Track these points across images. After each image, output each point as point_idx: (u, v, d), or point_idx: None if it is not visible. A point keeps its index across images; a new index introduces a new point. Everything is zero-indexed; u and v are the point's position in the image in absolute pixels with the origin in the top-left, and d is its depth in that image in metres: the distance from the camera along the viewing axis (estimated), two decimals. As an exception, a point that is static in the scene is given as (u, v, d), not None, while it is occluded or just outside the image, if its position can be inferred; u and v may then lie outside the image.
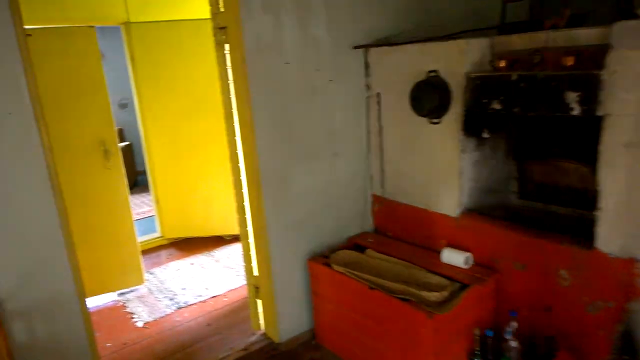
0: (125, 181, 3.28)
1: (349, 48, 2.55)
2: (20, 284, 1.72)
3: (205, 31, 3.79)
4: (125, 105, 7.99)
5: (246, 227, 2.53)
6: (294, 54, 2.34)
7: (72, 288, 1.91)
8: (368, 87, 2.66)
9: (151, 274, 3.71)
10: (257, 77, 2.22)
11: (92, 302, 3.30)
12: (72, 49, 3.01)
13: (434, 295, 2.02)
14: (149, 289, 3.43)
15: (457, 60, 2.19)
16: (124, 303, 3.26)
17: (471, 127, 2.24)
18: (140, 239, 4.39)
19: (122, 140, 7.08)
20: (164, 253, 4.15)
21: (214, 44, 2.36)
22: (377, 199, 2.79)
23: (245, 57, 2.16)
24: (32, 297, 1.77)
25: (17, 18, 1.65)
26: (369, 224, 2.84)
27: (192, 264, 3.83)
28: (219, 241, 4.28)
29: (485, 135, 2.30)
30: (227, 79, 2.34)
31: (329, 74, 2.50)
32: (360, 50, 2.60)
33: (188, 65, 3.96)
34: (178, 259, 3.98)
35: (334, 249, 2.58)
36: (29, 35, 1.70)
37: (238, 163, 2.44)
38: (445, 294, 2.05)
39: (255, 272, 2.59)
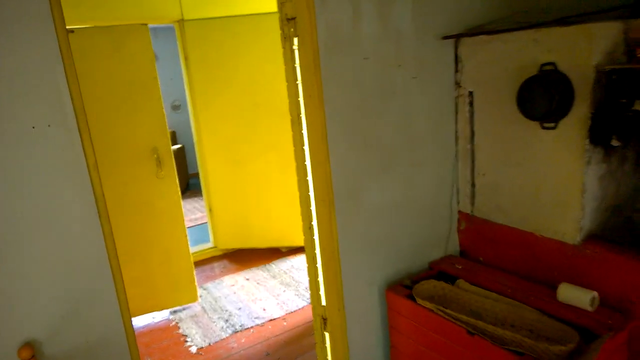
0: (178, 191, 3.04)
1: (436, 39, 2.15)
2: (59, 323, 1.47)
3: (266, 27, 3.53)
4: (177, 107, 7.93)
5: (314, 249, 2.19)
6: (374, 47, 1.97)
7: (119, 326, 1.63)
8: (458, 84, 2.24)
9: (204, 289, 3.46)
10: (331, 75, 1.87)
11: (143, 321, 3.08)
12: (124, 49, 2.79)
13: (558, 349, 1.59)
14: (203, 308, 3.17)
15: (583, 50, 1.74)
16: (177, 323, 3.02)
17: (600, 133, 1.78)
18: (192, 249, 4.19)
19: (174, 143, 6.99)
20: (217, 266, 3.90)
21: (281, 38, 2.03)
22: (464, 217, 2.37)
23: (318, 53, 1.81)
24: (73, 339, 1.51)
25: (56, 11, 1.38)
26: (454, 247, 2.43)
27: (248, 279, 3.55)
28: (274, 253, 3.98)
29: (615, 143, 1.83)
30: (295, 79, 2.00)
31: (412, 70, 2.11)
32: (450, 42, 2.19)
33: (246, 64, 3.68)
34: (232, 272, 3.72)
35: (415, 276, 2.19)
36: (71, 32, 1.43)
37: (306, 176, 2.10)
38: (572, 346, 1.61)
39: (323, 302, 2.24)
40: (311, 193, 2.09)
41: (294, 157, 2.12)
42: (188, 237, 4.58)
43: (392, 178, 2.16)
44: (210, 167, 3.96)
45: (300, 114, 2.04)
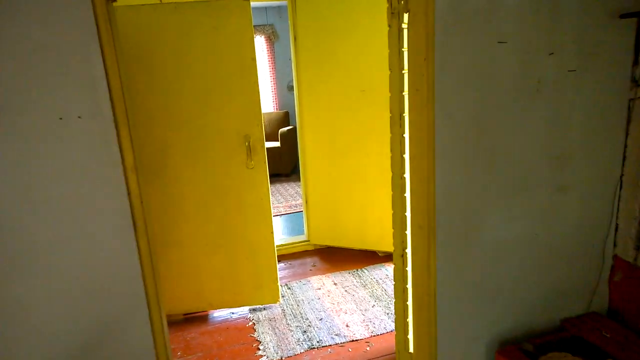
0: (267, 184, 2.78)
1: (610, 17, 1.51)
2: (78, 357, 1.26)
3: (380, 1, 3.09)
4: (292, 87, 7.86)
5: (405, 282, 1.74)
6: (515, 27, 1.42)
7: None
8: (636, 83, 1.58)
9: (289, 288, 3.21)
10: (448, 64, 1.38)
11: (222, 315, 2.93)
12: (222, 27, 2.56)
13: None
14: (283, 311, 2.92)
15: None
16: (254, 324, 2.81)
17: None
18: (285, 239, 3.98)
19: (286, 124, 6.90)
20: (307, 262, 3.63)
21: (387, 14, 1.59)
22: (622, 266, 1.72)
23: (433, 32, 1.33)
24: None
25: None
26: (600, 303, 1.79)
27: (336, 284, 3.22)
28: (370, 257, 3.59)
29: None
30: (401, 67, 1.55)
31: (569, 60, 1.51)
32: (630, 23, 1.53)
33: (356, 47, 3.27)
34: (321, 273, 3.41)
35: (539, 338, 1.64)
36: (114, 0, 1.16)
37: (403, 192, 1.65)
38: None
39: (411, 348, 1.80)
40: (408, 214, 1.64)
41: (390, 167, 1.68)
42: (284, 225, 4.45)
43: (524, 205, 1.60)
44: (309, 155, 3.67)
45: (403, 112, 1.58)
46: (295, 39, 3.51)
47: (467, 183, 1.49)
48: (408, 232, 1.65)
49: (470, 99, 1.42)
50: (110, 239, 1.24)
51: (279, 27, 7.09)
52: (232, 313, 2.95)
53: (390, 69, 1.58)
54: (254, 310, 2.96)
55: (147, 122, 2.59)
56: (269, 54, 7.11)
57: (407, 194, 1.62)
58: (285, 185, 6.00)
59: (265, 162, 2.76)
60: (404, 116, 1.57)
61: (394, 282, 1.76)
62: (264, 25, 6.99)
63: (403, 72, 1.54)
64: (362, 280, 3.23)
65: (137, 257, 1.29)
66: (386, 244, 3.55)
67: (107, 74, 1.12)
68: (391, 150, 1.64)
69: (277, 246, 3.80)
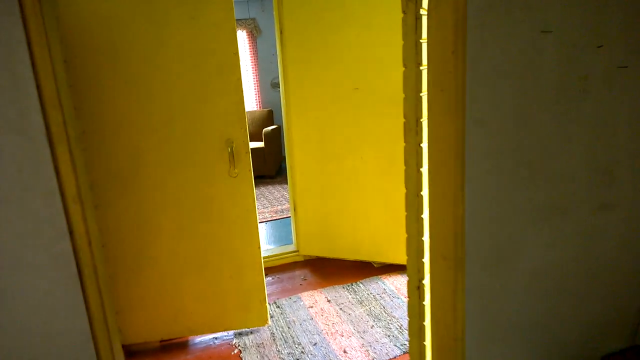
0: (253, 194, 2.48)
1: (668, 2, 1.26)
2: None
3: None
4: (277, 84, 7.52)
5: (422, 319, 1.47)
6: (563, 13, 1.16)
7: None
8: (697, 81, 1.33)
9: (278, 307, 2.92)
10: (483, 58, 1.10)
11: (204, 342, 2.63)
12: (201, 17, 2.24)
13: None
14: (272, 334, 2.63)
15: None
16: (240, 350, 2.51)
17: None
18: (272, 249, 3.69)
19: (270, 123, 6.58)
20: (298, 275, 3.35)
21: (399, -3, 1.30)
22: (671, 294, 1.48)
23: (465, 18, 1.05)
24: None
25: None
26: (645, 335, 1.55)
27: (329, 300, 2.94)
28: (364, 269, 3.32)
29: None
30: (418, 62, 1.27)
31: (621, 53, 1.25)
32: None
33: (350, 40, 2.99)
34: (313, 287, 3.13)
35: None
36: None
37: (420, 213, 1.37)
38: None
39: (429, 394, 1.53)
40: (426, 239, 1.37)
41: (404, 183, 1.40)
42: (270, 233, 4.14)
43: (564, 227, 1.35)
44: (298, 159, 3.38)
45: (420, 117, 1.30)
46: (281, 32, 3.21)
47: (502, 203, 1.22)
48: (426, 260, 1.38)
49: (507, 101, 1.15)
50: (45, 299, 0.93)
51: (262, 22, 6.76)
52: (215, 339, 2.65)
53: (404, 65, 1.30)
54: (240, 334, 2.66)
55: (116, 125, 2.26)
56: (251, 50, 6.77)
57: (425, 216, 1.34)
58: (270, 188, 5.69)
59: (250, 170, 2.46)
60: (421, 122, 1.29)
61: (408, 318, 1.49)
62: (245, 19, 6.65)
63: (421, 68, 1.26)
64: (358, 296, 2.96)
65: (85, 319, 0.99)
66: (382, 255, 3.30)
67: (36, 73, 0.81)
68: (405, 163, 1.37)
69: (263, 258, 3.50)
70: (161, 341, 2.64)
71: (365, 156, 3.15)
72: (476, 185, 1.17)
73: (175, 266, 2.49)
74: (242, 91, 2.34)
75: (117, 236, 2.41)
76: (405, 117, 1.33)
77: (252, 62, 6.81)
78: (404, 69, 1.31)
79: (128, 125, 2.28)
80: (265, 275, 3.33)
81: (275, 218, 4.49)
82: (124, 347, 2.63)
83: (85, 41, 2.15)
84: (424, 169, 1.32)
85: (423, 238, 1.35)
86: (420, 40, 1.24)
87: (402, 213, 3.13)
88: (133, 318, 2.53)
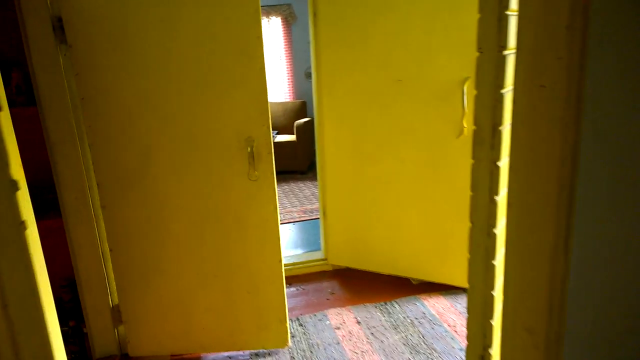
0: (275, 200, 2.15)
1: None
2: None
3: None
4: (311, 74, 7.19)
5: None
6: None
7: None
8: None
9: (301, 324, 2.59)
10: (611, 37, 0.70)
11: (217, 359, 2.34)
12: (219, -6, 1.91)
13: None
14: (292, 357, 2.31)
15: None
16: (256, 378, 2.20)
17: None
18: (298, 255, 3.36)
19: (304, 115, 6.24)
20: (325, 287, 3.01)
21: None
22: None
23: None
24: None
25: None
26: None
27: (359, 322, 2.59)
28: (401, 286, 2.94)
29: None
30: (501, 44, 0.88)
31: None
32: None
33: (394, 24, 2.59)
34: (341, 304, 2.78)
35: None
36: None
37: (491, 258, 0.99)
38: None
39: None
40: (495, 294, 0.99)
41: (469, 214, 1.02)
42: (296, 237, 3.78)
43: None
44: (329, 158, 3.02)
45: (499, 124, 0.91)
46: (314, 15, 2.84)
47: (632, 258, 0.83)
48: (496, 323, 1.00)
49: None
50: None
51: (298, 7, 6.40)
52: (229, 358, 2.35)
53: (479, 48, 0.92)
54: (257, 355, 2.36)
55: (123, 120, 1.98)
56: (286, 37, 6.43)
57: (498, 262, 0.96)
58: (301, 184, 5.36)
59: (272, 173, 2.12)
60: (500, 131, 0.91)
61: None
62: (280, 4, 6.31)
63: (505, 53, 0.88)
64: (392, 319, 2.59)
65: None
66: (422, 271, 2.91)
67: None
68: (472, 187, 0.99)
69: (288, 265, 3.19)
70: (172, 356, 2.37)
71: (406, 158, 2.75)
72: (591, 228, 0.78)
73: (186, 276, 2.21)
74: (265, 81, 2.00)
75: (125, 241, 2.15)
76: (475, 122, 0.95)
77: (285, 51, 6.48)
78: (477, 54, 0.93)
79: (136, 119, 1.98)
80: (289, 284, 3.02)
81: (304, 219, 4.16)
82: (133, 359, 2.38)
83: (90, 23, 1.86)
84: (500, 198, 0.94)
85: (493, 292, 0.98)
86: (507, 12, 0.85)
87: (448, 225, 2.74)
88: (142, 329, 2.27)
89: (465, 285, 2.82)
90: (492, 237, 0.97)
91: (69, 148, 1.92)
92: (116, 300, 2.23)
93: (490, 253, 0.98)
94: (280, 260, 2.23)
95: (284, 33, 6.40)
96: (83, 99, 1.89)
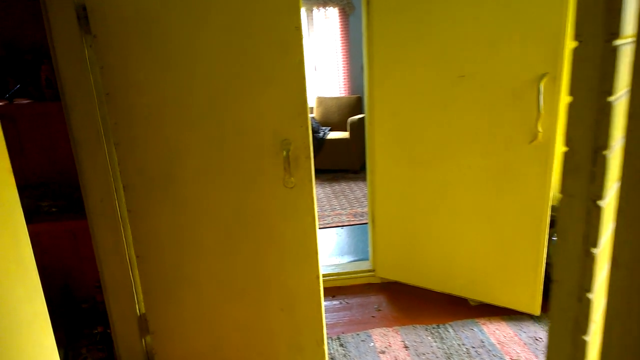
0: (314, 210, 1.92)
1: None
2: None
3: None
4: (369, 67, 6.87)
5: None
6: None
7: None
8: None
9: (341, 345, 2.36)
10: None
11: (248, 382, 2.15)
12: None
13: None
14: (330, 386, 2.09)
15: None
16: (287, 405, 2.00)
17: None
18: (343, 264, 3.10)
19: (359, 112, 5.96)
20: (371, 302, 2.75)
21: None
22: None
23: None
24: None
25: None
26: None
27: (407, 347, 2.31)
28: (457, 307, 2.62)
29: None
30: (611, 30, 0.58)
31: None
32: None
33: (458, 11, 2.27)
34: (388, 323, 2.52)
35: None
36: None
37: (583, 333, 0.69)
38: None
39: None
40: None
41: (553, 271, 0.72)
42: (343, 242, 3.48)
43: None
44: (379, 161, 2.74)
45: (604, 147, 0.61)
46: (368, 2, 2.57)
47: None
48: None
49: None
50: None
51: (355, -3, 6.10)
52: (261, 378, 2.17)
53: (577, 37, 0.62)
54: (290, 379, 2.15)
55: (149, 118, 1.83)
56: (342, 29, 6.16)
57: (590, 338, 0.67)
58: (352, 185, 5.11)
59: (311, 180, 1.89)
60: (604, 156, 0.61)
61: None
62: (338, -6, 6.05)
63: (616, 43, 0.58)
64: (445, 346, 2.29)
65: None
66: (482, 291, 2.57)
67: None
68: (558, 232, 0.69)
69: (332, 275, 2.96)
70: (201, 370, 2.23)
71: (467, 164, 2.42)
72: None
73: (215, 289, 2.04)
74: (304, 77, 1.77)
75: (152, 248, 2.01)
76: (567, 142, 0.65)
77: (342, 43, 6.21)
78: (569, 45, 0.63)
79: (164, 118, 1.82)
80: (332, 296, 2.79)
81: (353, 223, 3.91)
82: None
83: (115, 12, 1.71)
84: (600, 250, 0.64)
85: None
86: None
87: (515, 242, 2.37)
88: (169, 342, 2.14)
89: (534, 311, 2.46)
90: (585, 304, 0.68)
91: (94, 147, 1.80)
92: (143, 309, 2.11)
93: (581, 325, 0.68)
94: (319, 277, 2.00)
95: (341, 24, 6.13)
96: (108, 94, 1.75)
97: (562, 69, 2.09)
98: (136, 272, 2.10)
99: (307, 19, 6.31)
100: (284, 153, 1.83)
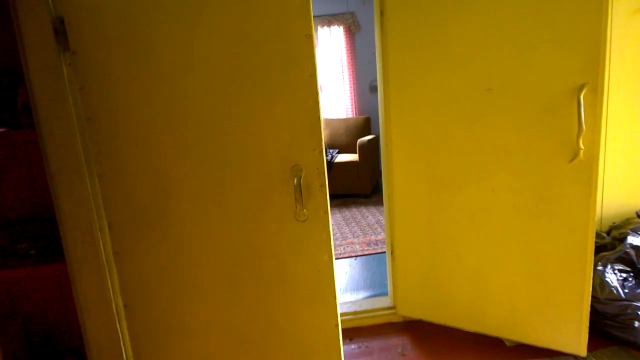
0: (330, 246, 1.65)
1: None
2: None
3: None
4: (376, 88, 6.65)
5: None
6: None
7: None
8: None
9: (364, 399, 2.05)
10: None
11: None
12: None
13: None
14: None
15: None
16: None
17: None
18: (360, 301, 2.78)
19: (367, 133, 5.74)
20: (393, 345, 2.44)
21: None
22: None
23: None
24: None
25: None
26: None
27: (439, 400, 2.00)
28: (492, 348, 2.31)
29: None
30: None
31: None
32: None
33: (482, 18, 2.04)
34: (414, 370, 2.21)
35: None
36: None
37: None
38: None
39: None
40: None
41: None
42: (358, 275, 3.06)
43: None
44: (398, 185, 2.48)
45: None
46: (381, 13, 2.35)
47: None
48: None
49: None
50: None
51: (361, 16, 5.96)
52: None
53: None
54: None
55: (136, 144, 1.58)
56: (348, 48, 5.99)
57: None
58: (364, 210, 4.83)
59: (326, 211, 1.63)
60: None
61: None
62: (343, 13, 5.90)
63: None
64: (483, 399, 1.97)
65: None
66: (520, 330, 2.26)
67: None
68: None
69: (348, 314, 2.66)
70: None
71: (498, 187, 2.15)
72: None
73: (216, 341, 1.76)
74: (317, 92, 1.53)
75: (143, 296, 1.74)
76: None
77: (348, 62, 6.04)
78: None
79: (154, 145, 1.58)
80: (349, 339, 2.49)
81: (367, 252, 3.62)
82: None
83: (97, 25, 1.49)
84: None
85: None
86: None
87: (555, 274, 2.08)
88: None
89: (579, 352, 2.15)
90: None
91: (74, 179, 1.55)
92: (134, 366, 1.82)
93: None
94: (337, 325, 1.72)
95: (347, 44, 5.97)
96: (90, 119, 1.52)
97: (603, 79, 1.85)
98: (124, 323, 1.83)
99: (311, 40, 6.16)
100: (295, 181, 1.58)
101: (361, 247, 3.73)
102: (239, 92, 1.53)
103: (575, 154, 1.93)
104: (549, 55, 1.92)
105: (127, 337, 1.77)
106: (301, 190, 1.58)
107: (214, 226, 1.66)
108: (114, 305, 1.73)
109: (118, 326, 1.74)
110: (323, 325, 1.72)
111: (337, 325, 1.72)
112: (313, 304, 1.70)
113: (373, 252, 3.60)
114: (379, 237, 3.90)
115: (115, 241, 1.67)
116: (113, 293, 1.76)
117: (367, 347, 2.44)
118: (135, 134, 1.56)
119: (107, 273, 1.73)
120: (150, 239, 1.68)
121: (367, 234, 4.01)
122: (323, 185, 1.59)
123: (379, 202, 5.05)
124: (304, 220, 1.63)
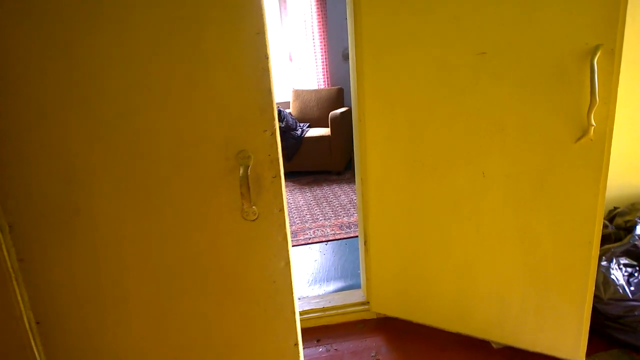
0: (287, 250, 1.31)
1: None
2: None
3: None
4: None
5: None
6: None
7: None
8: None
9: (334, 418, 1.76)
10: None
11: None
12: None
13: None
14: None
15: None
16: None
17: None
18: (329, 296, 2.48)
19: (340, 105, 5.37)
20: (366, 347, 2.16)
21: None
22: None
23: None
24: None
25: None
26: None
27: (420, 417, 1.73)
28: (476, 351, 2.06)
29: None
30: None
31: None
32: None
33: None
34: (391, 379, 1.94)
35: None
36: None
37: None
38: None
39: None
40: None
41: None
42: (328, 264, 2.73)
43: None
44: (373, 167, 2.15)
45: None
46: (353, -39, 1.95)
47: None
48: None
49: None
50: None
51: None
52: None
53: None
54: None
55: (46, 121, 1.18)
56: (319, 14, 5.53)
57: None
58: (336, 189, 4.50)
59: (282, 208, 1.28)
60: None
61: None
62: (313, -26, 5.41)
63: None
64: (469, 415, 1.71)
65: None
66: (508, 331, 2.01)
67: None
68: None
69: (315, 311, 2.36)
70: None
71: (491, 169, 1.85)
72: None
73: (151, 367, 1.42)
74: (267, 58, 1.15)
75: (58, 310, 1.38)
76: None
77: (319, 30, 5.58)
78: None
79: (63, 124, 1.19)
80: (317, 341, 2.20)
81: (339, 237, 3.31)
82: None
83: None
84: None
85: None
86: None
87: (554, 271, 1.79)
88: None
89: (576, 358, 1.91)
90: None
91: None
92: (47, 399, 1.47)
93: None
94: (297, 344, 1.40)
95: (317, 9, 5.50)
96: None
97: (622, 40, 1.53)
98: (39, 342, 1.46)
99: (280, 5, 5.67)
100: (241, 171, 1.21)
101: (332, 230, 3.42)
102: (164, 54, 1.14)
103: (585, 132, 1.63)
104: (555, 10, 1.58)
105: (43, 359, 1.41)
106: (248, 183, 1.22)
107: (145, 227, 1.29)
108: (26, 323, 1.37)
109: (34, 345, 1.38)
110: (281, 345, 1.40)
111: (296, 344, 1.40)
112: (268, 321, 1.38)
113: (346, 235, 3.30)
114: (352, 220, 3.59)
115: (18, 246, 1.29)
116: (24, 308, 1.39)
117: (336, 349, 2.15)
118: (39, 108, 1.16)
119: (14, 284, 1.36)
120: (59, 242, 1.31)
121: (340, 215, 3.70)
122: (277, 176, 1.24)
123: (352, 180, 4.74)
124: (253, 220, 1.28)
